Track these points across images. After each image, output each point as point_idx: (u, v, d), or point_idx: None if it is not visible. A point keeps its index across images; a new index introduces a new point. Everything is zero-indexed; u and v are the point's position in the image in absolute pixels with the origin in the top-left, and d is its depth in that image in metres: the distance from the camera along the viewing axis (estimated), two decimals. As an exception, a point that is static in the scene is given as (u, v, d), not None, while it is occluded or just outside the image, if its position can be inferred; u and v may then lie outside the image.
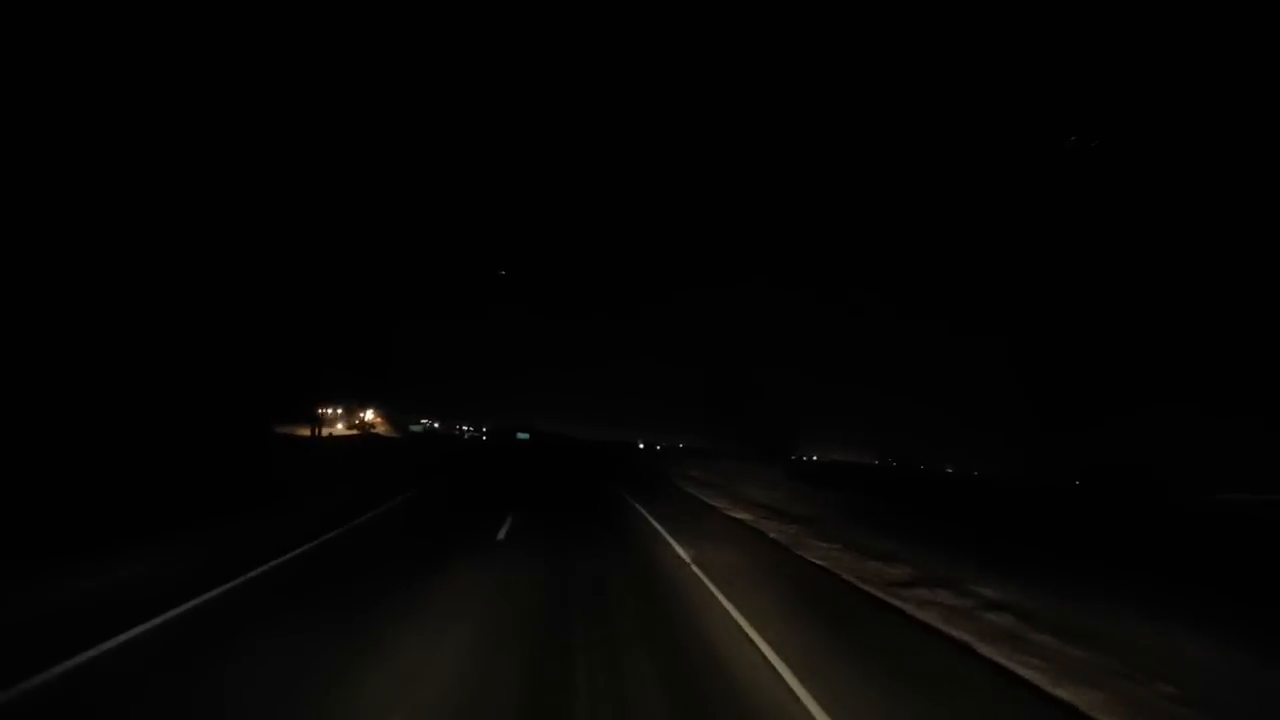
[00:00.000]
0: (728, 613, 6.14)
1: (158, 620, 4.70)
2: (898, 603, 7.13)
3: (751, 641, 5.30)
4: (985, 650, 5.55)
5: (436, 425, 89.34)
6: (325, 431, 57.87)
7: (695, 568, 7.97)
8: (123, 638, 4.33)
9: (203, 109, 26.93)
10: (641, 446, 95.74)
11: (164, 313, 25.86)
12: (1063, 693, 4.65)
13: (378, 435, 61.44)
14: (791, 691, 4.24)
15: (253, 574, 6.22)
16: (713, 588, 7.06)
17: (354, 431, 61.47)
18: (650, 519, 12.41)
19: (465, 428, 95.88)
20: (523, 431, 78.11)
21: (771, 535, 11.39)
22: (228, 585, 5.76)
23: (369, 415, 70.97)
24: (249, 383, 32.60)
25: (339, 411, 67.76)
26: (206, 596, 5.37)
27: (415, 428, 68.01)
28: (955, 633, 6.10)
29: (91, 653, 4.04)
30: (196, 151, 26.93)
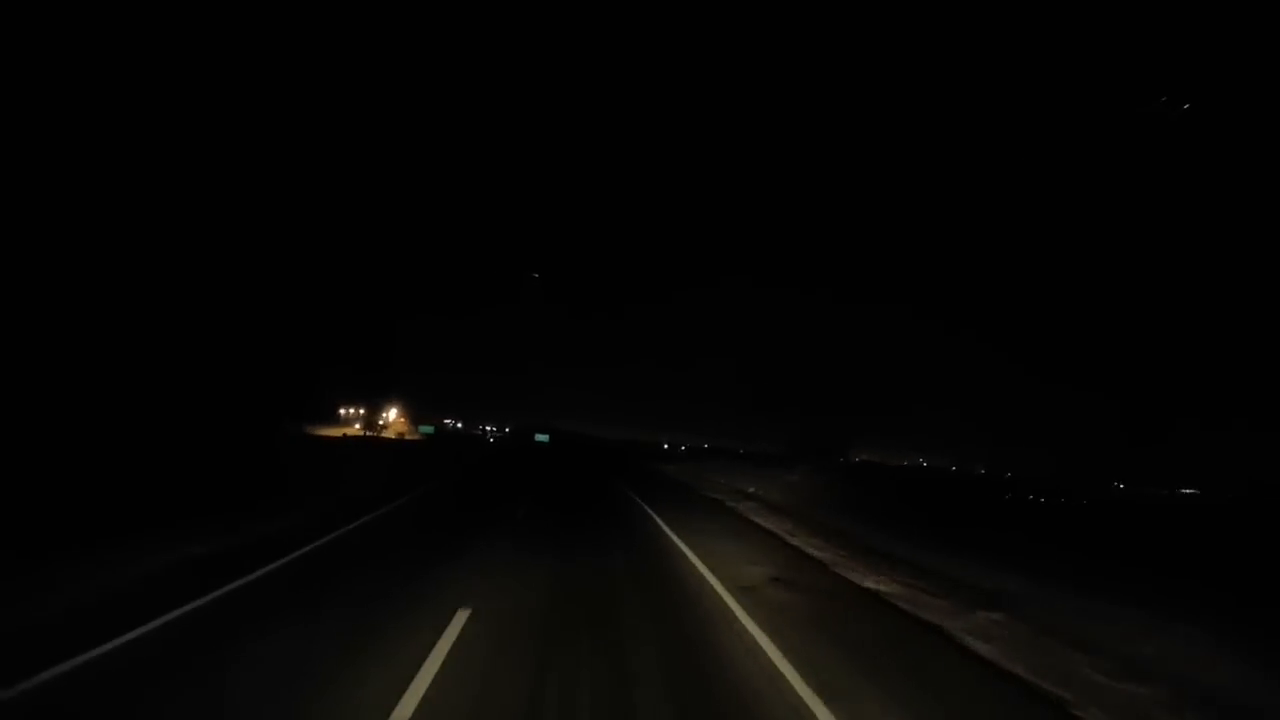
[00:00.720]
0: None
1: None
2: None
3: None
4: None
5: (459, 425, 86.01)
6: (340, 432, 54.22)
7: None
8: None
9: (217, 110, 26.45)
10: (666, 446, 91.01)
11: (158, 307, 24.84)
12: None
13: (379, 437, 57.18)
14: None
15: None
16: None
17: (358, 432, 57.81)
18: (739, 614, 7.08)
19: (488, 428, 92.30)
20: (542, 433, 72.72)
21: (978, 648, 5.90)
22: None
23: (393, 414, 67.38)
24: (231, 376, 29.10)
25: (360, 411, 64.45)
26: None
27: (425, 428, 64.21)
28: None
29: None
30: (213, 152, 26.29)
